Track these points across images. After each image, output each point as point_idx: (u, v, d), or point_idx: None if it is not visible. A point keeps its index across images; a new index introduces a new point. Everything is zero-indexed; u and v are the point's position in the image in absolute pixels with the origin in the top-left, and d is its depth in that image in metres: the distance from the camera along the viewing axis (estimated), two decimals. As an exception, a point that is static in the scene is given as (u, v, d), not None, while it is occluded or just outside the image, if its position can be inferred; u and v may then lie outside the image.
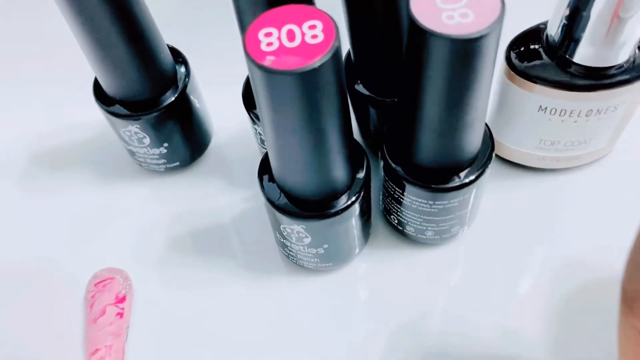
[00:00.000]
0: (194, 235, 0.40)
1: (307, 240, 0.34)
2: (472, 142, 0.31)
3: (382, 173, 0.34)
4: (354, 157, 0.33)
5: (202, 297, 0.38)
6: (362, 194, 0.32)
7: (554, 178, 0.40)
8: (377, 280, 0.37)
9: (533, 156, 0.38)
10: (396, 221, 0.37)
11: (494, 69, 0.27)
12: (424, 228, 0.35)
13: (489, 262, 0.37)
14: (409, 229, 0.36)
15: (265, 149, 0.38)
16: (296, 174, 0.31)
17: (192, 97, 0.40)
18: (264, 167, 0.33)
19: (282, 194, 0.32)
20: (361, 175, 0.33)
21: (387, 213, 0.37)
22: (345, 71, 0.37)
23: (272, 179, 0.33)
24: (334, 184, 0.31)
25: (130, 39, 0.34)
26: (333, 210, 0.32)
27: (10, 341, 0.37)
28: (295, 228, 0.33)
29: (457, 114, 0.28)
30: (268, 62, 0.24)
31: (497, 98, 0.37)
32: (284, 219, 0.33)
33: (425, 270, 0.37)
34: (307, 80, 0.24)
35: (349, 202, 0.32)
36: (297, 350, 0.35)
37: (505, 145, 0.39)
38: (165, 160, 0.41)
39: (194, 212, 0.41)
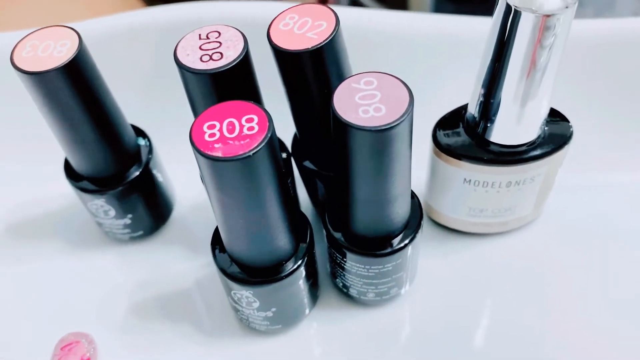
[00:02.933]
0: (157, 301, 0.43)
1: (256, 305, 0.37)
2: (399, 213, 0.35)
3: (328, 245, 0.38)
4: (298, 226, 0.36)
5: (164, 358, 0.40)
6: (305, 260, 0.36)
7: (486, 242, 0.44)
8: (326, 340, 0.40)
9: (465, 222, 0.42)
10: (341, 284, 0.40)
11: (410, 151, 0.31)
12: (365, 290, 0.39)
13: (430, 319, 0.40)
14: (353, 292, 0.40)
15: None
16: (242, 246, 0.34)
17: (154, 171, 0.43)
18: (216, 238, 0.37)
19: (232, 263, 0.36)
20: (304, 243, 0.36)
21: (333, 276, 0.41)
22: (293, 150, 0.41)
23: (223, 248, 0.36)
24: (279, 253, 0.35)
25: (95, 122, 0.37)
26: (278, 276, 0.35)
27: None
28: (244, 293, 0.36)
29: (381, 191, 0.32)
30: (213, 150, 0.27)
31: (429, 171, 0.41)
32: (233, 285, 0.36)
33: (370, 330, 0.40)
34: (245, 165, 0.28)
35: (293, 268, 0.35)
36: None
37: (441, 213, 0.42)
38: (129, 230, 0.44)
39: (157, 279, 0.44)
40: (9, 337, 0.42)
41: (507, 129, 0.36)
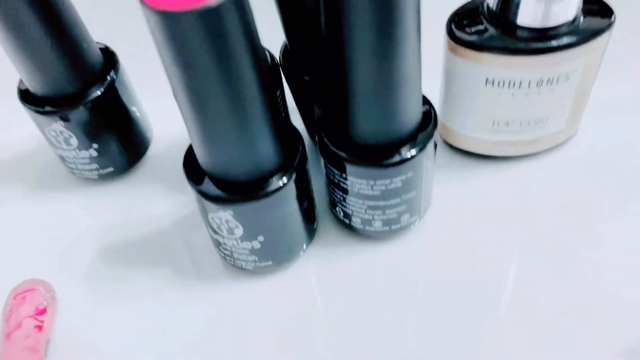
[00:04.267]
0: (129, 245, 0.37)
1: (239, 232, 0.30)
2: (407, 110, 0.28)
3: (322, 159, 0.31)
4: (287, 138, 0.30)
5: (134, 308, 0.34)
6: (294, 176, 0.30)
7: (512, 167, 0.37)
8: (325, 281, 0.34)
9: (488, 142, 0.36)
10: (342, 213, 0.34)
11: (418, 20, 0.25)
12: (370, 218, 0.32)
13: (447, 258, 0.34)
14: (356, 221, 0.33)
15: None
16: (217, 148, 0.28)
17: (123, 96, 0.37)
18: (190, 156, 0.31)
19: (208, 180, 0.29)
20: (294, 157, 0.30)
21: (332, 206, 0.34)
22: (283, 61, 0.35)
23: (197, 166, 0.30)
24: (262, 163, 0.29)
25: (51, 31, 0.32)
26: (263, 192, 0.29)
27: None
28: (223, 216, 0.30)
29: (385, 75, 0.26)
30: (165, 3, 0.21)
31: (443, 79, 0.35)
32: (210, 206, 0.30)
33: (376, 268, 0.34)
34: (208, 19, 0.22)
35: (281, 184, 0.29)
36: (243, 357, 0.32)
37: (458, 133, 0.36)
38: (97, 165, 0.38)
39: (130, 221, 0.38)
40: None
41: (537, 7, 0.29)
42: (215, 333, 0.33)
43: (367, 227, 0.33)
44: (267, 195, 0.29)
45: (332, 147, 0.30)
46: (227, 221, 0.30)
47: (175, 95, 0.26)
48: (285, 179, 0.29)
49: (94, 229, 0.38)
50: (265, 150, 0.28)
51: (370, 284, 0.33)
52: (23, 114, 0.40)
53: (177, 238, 0.37)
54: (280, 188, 0.29)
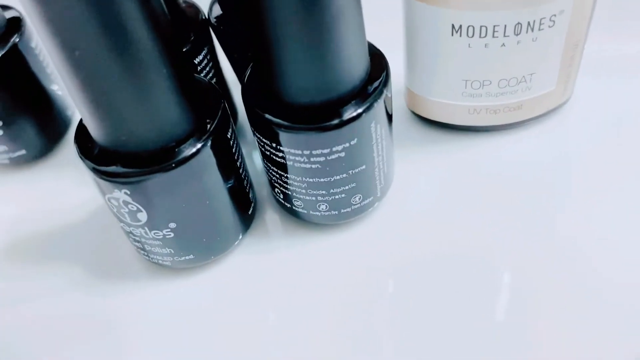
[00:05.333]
0: (42, 237, 0.31)
1: (143, 218, 0.24)
2: (346, 58, 0.22)
3: (257, 135, 0.26)
4: (198, 96, 0.24)
5: (41, 310, 0.28)
6: (210, 143, 0.24)
7: (492, 140, 0.31)
8: (264, 278, 0.28)
9: (461, 109, 0.30)
10: (281, 196, 0.28)
11: None
12: (314, 199, 0.26)
13: (409, 247, 0.28)
14: (298, 205, 0.27)
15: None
16: (106, 113, 0.22)
17: (32, 67, 0.32)
18: (82, 129, 0.25)
19: (103, 154, 0.24)
20: (211, 119, 0.24)
21: (272, 188, 0.28)
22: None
23: (89, 139, 0.24)
24: (163, 128, 0.23)
25: None
26: (164, 164, 0.23)
27: None
28: (120, 197, 0.24)
29: (313, 10, 0.20)
30: None
31: (404, 34, 0.29)
32: (104, 186, 0.24)
33: (327, 262, 0.28)
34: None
35: (189, 153, 0.23)
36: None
37: (425, 99, 0.30)
38: (6, 147, 0.32)
39: (43, 212, 0.32)
40: None
41: None
42: (130, 337, 0.27)
43: (311, 212, 0.27)
44: (171, 167, 0.23)
45: (258, 110, 0.24)
46: (125, 203, 0.24)
47: (50, 55, 0.20)
48: (197, 146, 0.23)
49: (1, 221, 0.32)
50: (166, 112, 0.22)
51: (319, 280, 0.27)
52: None
53: (94, 231, 0.31)
54: (189, 157, 0.23)
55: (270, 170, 0.27)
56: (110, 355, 0.26)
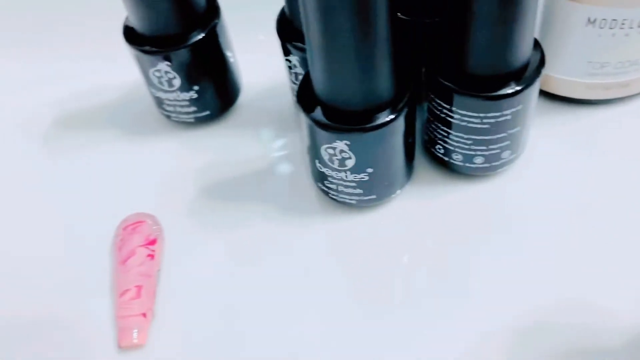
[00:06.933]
0: (226, 184, 0.38)
1: (351, 163, 0.32)
2: (525, 40, 0.29)
3: (428, 94, 0.32)
4: (400, 72, 0.31)
5: (236, 241, 0.35)
6: (407, 109, 0.31)
7: (604, 111, 0.38)
8: (424, 217, 0.35)
9: (581, 85, 0.37)
10: (442, 151, 0.35)
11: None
12: (473, 153, 0.33)
13: (543, 196, 0.35)
14: (456, 158, 0.34)
15: (296, 83, 0.36)
16: (342, 79, 0.29)
17: (221, 42, 0.38)
18: (304, 89, 0.32)
19: (325, 112, 0.31)
20: (406, 92, 0.31)
21: (430, 145, 0.35)
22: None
23: (312, 100, 0.31)
24: (379, 93, 0.30)
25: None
26: (379, 122, 0.30)
27: (38, 282, 0.34)
28: (338, 146, 0.31)
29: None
30: None
31: (540, 22, 0.35)
32: (327, 136, 0.31)
33: (475, 206, 0.35)
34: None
35: (394, 115, 0.30)
36: (338, 292, 0.33)
37: (551, 77, 0.37)
38: (195, 109, 0.39)
39: (225, 162, 0.39)
40: (72, 222, 0.37)
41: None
42: (312, 265, 0.34)
43: (467, 164, 0.34)
44: (383, 125, 0.30)
45: (441, 79, 0.31)
46: (341, 151, 0.31)
47: (308, 41, 0.27)
48: (399, 111, 0.30)
49: (192, 169, 0.39)
50: (384, 80, 0.29)
51: (471, 221, 0.34)
52: (116, 59, 0.41)
53: (272, 177, 0.38)
54: (394, 119, 0.30)
55: (437, 130, 0.34)
56: (297, 281, 0.33)
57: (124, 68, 0.41)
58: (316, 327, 0.32)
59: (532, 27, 0.29)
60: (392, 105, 0.30)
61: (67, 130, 0.42)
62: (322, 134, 0.31)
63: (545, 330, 0.30)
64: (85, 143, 0.41)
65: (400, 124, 0.31)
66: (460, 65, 0.31)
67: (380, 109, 0.30)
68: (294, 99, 0.38)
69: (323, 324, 0.32)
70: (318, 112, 0.31)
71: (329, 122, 0.30)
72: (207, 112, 0.40)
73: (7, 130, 0.43)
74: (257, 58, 0.41)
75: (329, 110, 0.30)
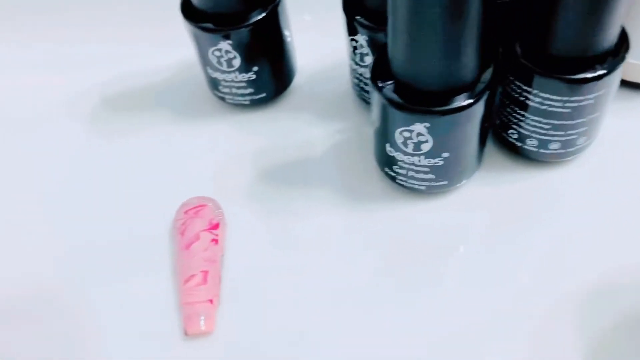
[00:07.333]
0: (284, 168, 0.37)
1: (427, 147, 0.30)
2: (614, 23, 0.28)
3: (506, 75, 0.31)
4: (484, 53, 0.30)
5: (298, 226, 0.34)
6: (489, 92, 0.29)
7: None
8: (493, 204, 0.34)
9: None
10: (515, 135, 0.33)
11: None
12: (550, 139, 0.32)
13: (613, 184, 0.34)
14: (531, 143, 0.33)
15: (363, 65, 0.35)
16: (428, 58, 0.28)
17: (281, 22, 0.37)
18: (379, 68, 0.31)
19: (403, 93, 0.29)
20: (489, 72, 0.30)
21: (502, 129, 0.34)
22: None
23: (388, 80, 0.30)
24: (464, 74, 0.29)
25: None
26: (461, 104, 0.29)
27: (99, 269, 0.34)
28: (416, 129, 0.30)
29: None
30: None
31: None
32: (404, 118, 0.30)
33: (548, 193, 0.34)
34: None
35: (477, 97, 0.29)
36: (405, 279, 0.32)
37: (631, 63, 0.35)
38: (252, 90, 0.38)
39: (282, 146, 0.38)
40: (127, 206, 0.36)
41: None
42: (378, 253, 0.33)
43: (541, 150, 0.33)
44: (465, 107, 0.29)
45: (522, 59, 0.30)
46: (418, 134, 0.30)
47: (394, 19, 0.26)
48: (481, 93, 0.29)
49: (248, 153, 0.38)
50: (471, 60, 0.28)
51: (545, 209, 0.33)
52: (168, 40, 0.40)
53: (331, 162, 0.37)
54: (475, 101, 0.29)
55: (513, 114, 0.32)
56: (360, 266, 0.33)
57: (168, 49, 0.41)
58: (383, 314, 0.31)
59: (622, 8, 0.28)
60: (472, 87, 0.29)
61: (116, 112, 0.41)
62: (398, 116, 0.30)
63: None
64: (136, 125, 0.40)
65: (481, 107, 0.29)
66: (543, 45, 0.29)
67: (460, 90, 0.29)
68: (354, 81, 0.37)
69: (391, 312, 0.31)
70: (395, 93, 0.29)
71: (407, 104, 0.29)
72: (263, 94, 0.39)
73: (56, 112, 0.42)
74: (305, 39, 0.40)
75: (407, 90, 0.29)
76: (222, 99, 0.39)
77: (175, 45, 0.41)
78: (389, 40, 0.29)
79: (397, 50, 0.28)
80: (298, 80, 0.41)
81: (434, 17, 0.26)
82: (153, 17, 0.43)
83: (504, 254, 0.32)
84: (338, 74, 0.41)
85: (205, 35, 0.35)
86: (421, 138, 0.30)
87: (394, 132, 0.31)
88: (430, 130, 0.29)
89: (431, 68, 0.28)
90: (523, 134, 0.33)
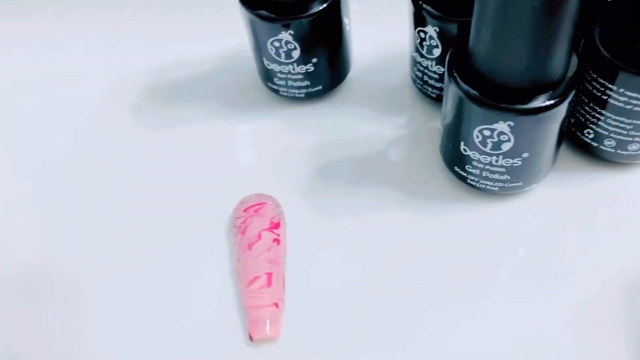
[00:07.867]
0: (342, 164, 0.36)
1: (507, 147, 0.29)
2: None
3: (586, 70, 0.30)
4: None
5: (361, 226, 0.33)
6: (574, 92, 0.28)
7: None
8: (566, 207, 0.33)
9: None
10: (592, 136, 0.32)
11: None
12: (630, 139, 0.31)
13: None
14: (608, 144, 0.32)
15: (430, 57, 0.33)
16: (520, 51, 0.26)
17: (342, 13, 0.36)
18: (455, 63, 0.29)
19: (484, 89, 0.28)
20: (574, 68, 0.28)
21: (577, 128, 0.33)
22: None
23: (469, 75, 0.28)
24: (553, 71, 0.27)
25: None
26: (547, 104, 0.27)
27: (155, 270, 0.32)
28: (498, 128, 0.28)
29: None
30: None
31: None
32: (485, 116, 0.28)
33: (624, 196, 0.32)
34: None
35: (563, 96, 0.27)
36: (474, 283, 0.31)
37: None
38: (308, 83, 0.37)
39: (340, 141, 0.37)
40: (180, 200, 0.35)
41: None
42: (447, 256, 0.32)
43: (619, 151, 0.32)
44: (552, 107, 0.27)
45: (606, 54, 0.28)
46: (499, 135, 0.28)
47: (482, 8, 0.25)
48: (567, 91, 0.28)
49: (305, 148, 0.36)
50: (562, 56, 0.27)
51: (621, 212, 0.32)
52: (217, 28, 0.39)
53: (392, 159, 0.36)
54: (561, 100, 0.27)
55: (592, 114, 0.31)
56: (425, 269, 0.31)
57: (213, 40, 0.40)
58: (451, 316, 0.30)
59: None
60: (557, 85, 0.28)
61: (165, 103, 0.40)
62: (479, 112, 0.28)
63: None
64: (186, 117, 0.39)
65: (566, 105, 0.28)
66: (629, 39, 0.28)
67: (544, 87, 0.27)
68: (416, 74, 0.36)
69: (459, 313, 0.30)
70: (475, 89, 0.28)
71: (490, 101, 0.27)
72: (319, 87, 0.37)
73: (105, 102, 0.40)
74: (356, 29, 0.38)
75: (488, 86, 0.28)
76: (276, 91, 0.38)
77: (219, 35, 0.40)
78: (473, 31, 0.27)
79: (482, 42, 0.27)
80: (354, 73, 0.40)
81: (531, 8, 0.24)
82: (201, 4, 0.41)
83: (577, 257, 0.31)
84: (393, 65, 0.39)
85: (263, 24, 0.34)
86: (503, 137, 0.29)
87: (472, 129, 0.29)
88: (513, 129, 0.28)
89: (521, 63, 0.26)
90: (601, 133, 0.31)
